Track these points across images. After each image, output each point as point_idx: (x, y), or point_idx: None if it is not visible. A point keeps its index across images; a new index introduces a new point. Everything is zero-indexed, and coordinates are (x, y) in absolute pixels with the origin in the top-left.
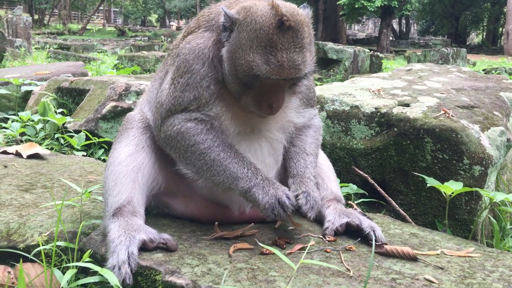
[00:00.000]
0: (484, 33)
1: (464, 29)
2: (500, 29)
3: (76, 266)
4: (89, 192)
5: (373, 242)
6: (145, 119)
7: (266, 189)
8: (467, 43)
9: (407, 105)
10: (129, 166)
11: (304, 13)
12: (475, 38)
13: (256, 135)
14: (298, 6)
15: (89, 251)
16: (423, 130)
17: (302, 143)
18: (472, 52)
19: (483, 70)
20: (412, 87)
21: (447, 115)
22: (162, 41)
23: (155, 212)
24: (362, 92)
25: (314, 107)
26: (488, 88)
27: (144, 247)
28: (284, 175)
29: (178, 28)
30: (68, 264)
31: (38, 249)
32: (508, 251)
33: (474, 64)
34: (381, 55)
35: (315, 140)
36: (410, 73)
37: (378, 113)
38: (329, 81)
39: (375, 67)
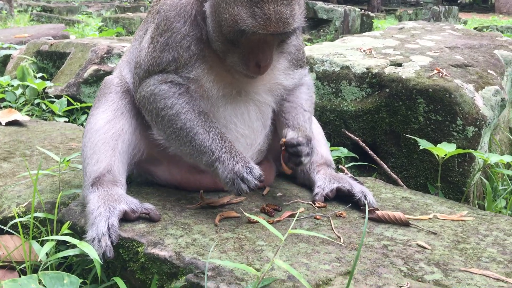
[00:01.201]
0: None
1: None
2: None
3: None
4: (68, 160)
5: (366, 208)
6: (124, 83)
7: (226, 163)
8: (458, 1)
9: (399, 64)
10: (108, 133)
11: None
12: None
13: (243, 98)
14: None
15: (68, 222)
16: (416, 90)
17: (297, 99)
18: (463, 11)
19: (475, 28)
20: (405, 46)
21: (441, 74)
22: (149, 2)
23: (138, 181)
24: (353, 52)
25: (304, 67)
26: (482, 46)
27: (125, 218)
28: (273, 140)
29: None
30: (45, 238)
31: (14, 221)
32: (500, 212)
33: (465, 22)
34: (372, 14)
35: (309, 97)
36: (402, 32)
37: (370, 74)
38: (319, 42)
39: (366, 26)
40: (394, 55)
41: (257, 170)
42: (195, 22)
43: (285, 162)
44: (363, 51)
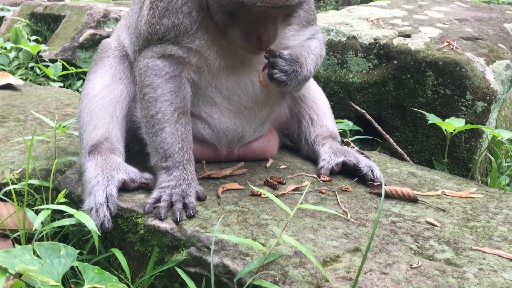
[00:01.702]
0: None
1: None
2: None
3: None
4: (64, 126)
5: (382, 185)
6: (123, 47)
7: (170, 178)
8: None
9: (408, 36)
10: (106, 98)
11: None
12: None
13: (246, 69)
14: None
15: (64, 191)
16: (425, 63)
17: (306, 43)
18: None
19: None
20: (413, 16)
21: (451, 47)
22: None
23: (137, 149)
24: (360, 22)
25: (315, 24)
26: (492, 19)
27: (124, 188)
28: (278, 110)
29: None
30: (41, 207)
31: (7, 188)
32: (502, 189)
33: None
34: None
35: (319, 47)
36: (409, 2)
37: (377, 45)
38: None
39: None
40: (402, 25)
41: (193, 204)
42: None
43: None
44: (371, 21)
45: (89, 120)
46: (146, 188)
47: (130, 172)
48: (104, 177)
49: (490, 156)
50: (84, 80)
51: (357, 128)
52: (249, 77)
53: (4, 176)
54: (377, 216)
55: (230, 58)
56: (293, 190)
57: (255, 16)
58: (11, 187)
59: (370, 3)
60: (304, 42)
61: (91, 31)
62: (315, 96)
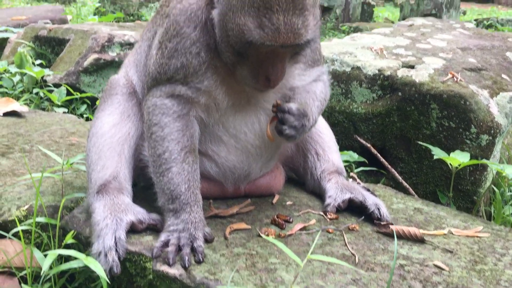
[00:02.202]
0: None
1: None
2: None
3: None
4: (72, 163)
5: (381, 223)
6: (131, 84)
7: (177, 221)
8: None
9: (412, 66)
10: (114, 137)
11: None
12: None
13: (253, 107)
14: None
15: (72, 232)
16: (430, 95)
17: (312, 87)
18: (462, 0)
19: (475, 20)
20: (416, 45)
21: (455, 79)
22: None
23: (142, 185)
24: (364, 51)
25: (322, 65)
26: (494, 48)
27: (132, 229)
28: (282, 149)
29: None
30: (48, 252)
31: (16, 229)
32: (505, 225)
33: (464, 13)
34: (372, 2)
35: (324, 91)
36: (412, 29)
37: (382, 76)
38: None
39: (367, 15)
40: (406, 55)
41: (201, 248)
42: (205, 28)
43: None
44: (374, 50)
45: (98, 159)
46: (154, 229)
47: (138, 213)
48: (113, 219)
49: (494, 187)
50: (88, 104)
51: (362, 159)
52: (256, 115)
53: (11, 213)
54: (377, 252)
55: (238, 97)
56: (300, 229)
57: (263, 55)
58: (19, 228)
59: (372, 31)
60: (310, 87)
61: (95, 55)
62: (321, 131)
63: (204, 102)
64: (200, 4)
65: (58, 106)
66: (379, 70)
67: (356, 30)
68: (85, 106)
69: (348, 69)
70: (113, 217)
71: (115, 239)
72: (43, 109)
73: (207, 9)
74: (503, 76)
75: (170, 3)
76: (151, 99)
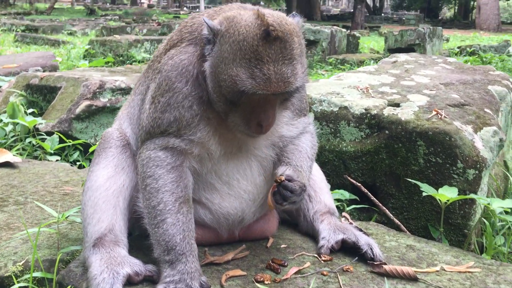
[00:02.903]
0: (456, 7)
1: (437, 3)
2: (472, 3)
3: None
4: (67, 217)
5: (374, 263)
6: (124, 136)
7: (173, 272)
8: (440, 17)
9: (398, 105)
10: (109, 190)
11: (293, 22)
12: (447, 12)
13: (244, 154)
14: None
15: (70, 287)
16: (416, 133)
17: (302, 144)
18: (445, 27)
19: (458, 47)
20: (400, 83)
21: (439, 116)
22: (139, 25)
23: (137, 234)
24: (350, 91)
25: (307, 115)
26: (476, 82)
27: (129, 281)
28: None
29: (150, 6)
30: None
31: (14, 287)
32: (496, 258)
33: (447, 40)
34: (357, 34)
35: (313, 146)
36: (396, 66)
37: (368, 115)
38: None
39: (352, 47)
40: (391, 93)
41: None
42: (197, 82)
43: (272, 197)
44: (360, 89)
45: (93, 213)
46: (151, 280)
47: (135, 265)
48: (110, 273)
49: (484, 220)
50: (80, 150)
51: (354, 197)
52: (247, 162)
53: (7, 269)
54: None
55: (229, 145)
56: (295, 273)
57: (255, 102)
58: (16, 286)
59: (358, 69)
60: (299, 142)
61: (87, 102)
62: (312, 172)
63: (197, 153)
64: (191, 60)
65: (51, 154)
66: (365, 109)
67: (343, 62)
68: (77, 152)
69: (336, 109)
70: (110, 270)
71: None
72: (36, 158)
73: (198, 63)
74: (486, 110)
75: (161, 59)
76: (145, 152)
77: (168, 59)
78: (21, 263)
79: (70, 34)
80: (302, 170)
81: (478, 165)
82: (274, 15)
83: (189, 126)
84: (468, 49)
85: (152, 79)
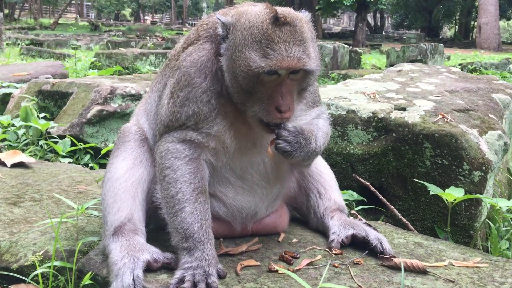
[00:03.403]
0: (457, 27)
1: (437, 22)
2: (472, 23)
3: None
4: (87, 208)
5: (384, 256)
6: (142, 131)
7: (191, 259)
8: (440, 37)
9: (404, 109)
10: (128, 181)
11: (302, 14)
12: (448, 31)
13: (258, 149)
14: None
15: (90, 273)
16: (422, 135)
17: (314, 121)
18: (446, 46)
19: (459, 64)
20: (406, 89)
21: (445, 119)
22: (146, 38)
23: (153, 227)
24: (357, 96)
25: (321, 105)
26: (480, 90)
27: (148, 268)
28: (286, 189)
29: (153, 23)
30: None
31: (35, 272)
32: (503, 256)
33: (448, 58)
34: (360, 50)
35: (326, 126)
36: (401, 75)
37: (376, 118)
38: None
39: (354, 62)
40: (397, 99)
41: (215, 284)
42: (215, 77)
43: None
44: (367, 94)
45: (113, 202)
46: (168, 267)
47: (153, 253)
48: (130, 259)
49: (490, 222)
50: (91, 154)
51: (362, 198)
52: (261, 157)
53: (27, 258)
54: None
55: (244, 140)
56: (308, 264)
57: (271, 88)
58: (38, 271)
59: (364, 77)
60: (312, 121)
61: (98, 107)
62: (322, 171)
63: (214, 146)
64: (209, 56)
65: (63, 156)
66: (373, 113)
67: (345, 77)
68: (88, 156)
69: (343, 113)
70: (130, 256)
71: (133, 277)
72: (48, 160)
73: (216, 59)
74: (490, 115)
75: (179, 57)
76: (164, 144)
77: (187, 56)
78: (40, 253)
79: (75, 48)
80: (310, 130)
81: (484, 167)
82: (283, 8)
83: (206, 119)
84: (469, 66)
85: (170, 76)
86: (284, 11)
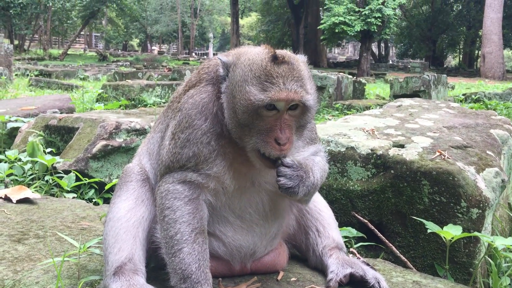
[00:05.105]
0: (461, 56)
1: (441, 52)
2: (476, 52)
3: None
4: (89, 247)
5: None
6: (144, 171)
7: None
8: (445, 66)
9: (402, 146)
10: (130, 221)
11: (299, 55)
12: (452, 60)
13: (256, 189)
14: (278, 28)
15: None
16: (420, 172)
17: (311, 157)
18: (450, 75)
19: (463, 94)
20: (405, 125)
21: (443, 157)
22: (151, 73)
23: (153, 266)
24: (356, 132)
25: (318, 143)
26: (478, 125)
27: None
28: (285, 227)
29: (160, 53)
30: None
31: None
32: None
33: (453, 87)
34: (363, 81)
35: (323, 161)
36: (400, 110)
37: (374, 155)
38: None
39: (358, 92)
40: (396, 135)
41: None
42: (216, 118)
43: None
44: (366, 131)
45: (114, 242)
46: None
47: None
48: None
49: (490, 259)
50: (95, 189)
51: (361, 235)
52: (259, 196)
53: None
54: None
55: (243, 180)
56: None
57: (268, 122)
58: None
59: (364, 113)
60: (309, 157)
61: (103, 142)
62: (320, 209)
63: (213, 187)
64: (210, 98)
65: (68, 191)
66: (371, 150)
67: (349, 107)
68: (93, 190)
69: (343, 149)
70: None
71: None
72: (53, 195)
73: (217, 100)
74: (488, 152)
75: (181, 99)
76: (164, 185)
77: (188, 98)
78: None
79: (83, 79)
80: (306, 164)
81: (481, 205)
82: (281, 50)
83: (206, 161)
84: (473, 96)
85: (172, 118)
86: (282, 52)
